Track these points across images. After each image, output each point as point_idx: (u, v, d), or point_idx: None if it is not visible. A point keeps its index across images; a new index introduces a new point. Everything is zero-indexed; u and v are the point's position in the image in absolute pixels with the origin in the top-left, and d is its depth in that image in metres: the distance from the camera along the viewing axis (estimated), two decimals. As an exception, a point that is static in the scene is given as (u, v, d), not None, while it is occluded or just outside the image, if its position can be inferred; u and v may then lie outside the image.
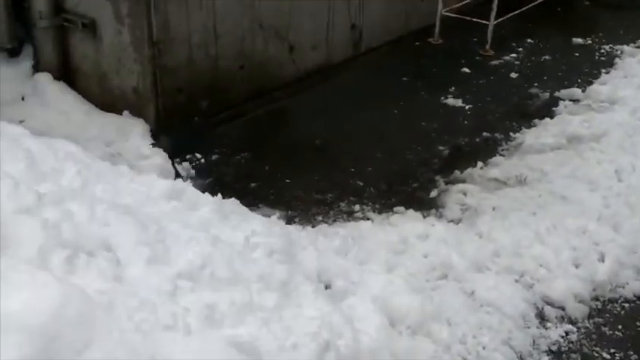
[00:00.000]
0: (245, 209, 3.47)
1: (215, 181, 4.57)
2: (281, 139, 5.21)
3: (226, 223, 3.19)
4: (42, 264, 2.24)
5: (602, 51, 6.84)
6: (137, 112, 4.75)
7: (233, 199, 3.74)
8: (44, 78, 4.77)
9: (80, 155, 3.08)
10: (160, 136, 4.76)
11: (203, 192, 4.34)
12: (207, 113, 5.12)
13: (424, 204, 4.50)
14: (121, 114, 4.76)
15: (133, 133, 4.59)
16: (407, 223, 4.12)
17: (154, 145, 4.63)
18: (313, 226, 4.17)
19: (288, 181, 4.70)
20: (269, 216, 4.21)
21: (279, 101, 5.70)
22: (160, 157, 4.55)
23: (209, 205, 3.25)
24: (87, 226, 2.54)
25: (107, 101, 4.82)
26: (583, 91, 5.90)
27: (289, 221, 4.23)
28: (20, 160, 2.73)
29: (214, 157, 4.87)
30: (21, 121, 4.56)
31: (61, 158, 2.95)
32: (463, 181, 4.71)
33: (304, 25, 5.80)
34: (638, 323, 3.59)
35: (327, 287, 3.38)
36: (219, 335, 2.42)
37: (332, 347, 2.72)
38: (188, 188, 3.30)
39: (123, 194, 2.92)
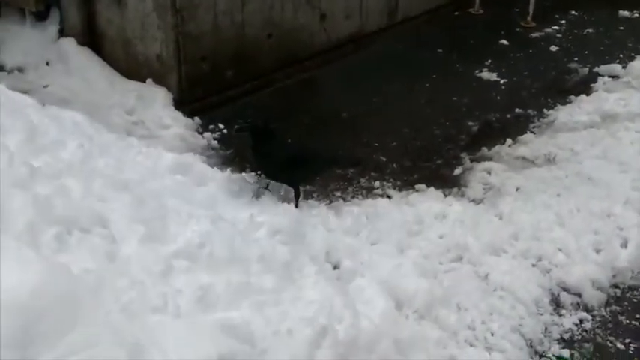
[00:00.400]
0: (255, 186, 3.43)
1: (236, 152, 4.54)
2: (307, 110, 5.14)
3: (233, 200, 3.16)
4: (31, 240, 2.24)
5: (649, 24, 6.57)
6: (160, 80, 4.74)
7: (244, 174, 3.69)
8: (69, 43, 4.78)
9: (87, 127, 3.07)
10: (182, 105, 4.74)
11: (223, 163, 4.38)
12: (233, 82, 5.07)
13: (447, 182, 4.40)
14: (145, 82, 4.74)
15: (156, 102, 4.58)
16: (425, 202, 4.03)
17: (176, 114, 4.61)
18: (331, 202, 4.12)
19: (310, 154, 4.63)
20: (286, 190, 4.19)
21: (309, 71, 5.63)
22: (181, 126, 4.53)
23: (216, 181, 3.21)
24: (82, 202, 2.53)
25: (132, 68, 4.81)
26: (624, 67, 5.68)
27: (307, 197, 4.18)
28: (19, 131, 2.73)
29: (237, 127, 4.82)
30: (45, 87, 4.60)
31: (66, 130, 2.94)
32: (489, 159, 4.59)
33: (337, -7, 5.69)
34: (657, 313, 3.47)
35: (335, 267, 3.34)
36: (210, 318, 2.40)
37: (329, 333, 2.68)
38: (196, 163, 3.28)
39: (126, 168, 2.90)
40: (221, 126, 4.79)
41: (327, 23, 5.70)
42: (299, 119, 4.98)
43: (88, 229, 2.49)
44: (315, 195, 4.22)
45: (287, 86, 5.38)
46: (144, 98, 4.57)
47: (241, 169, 4.29)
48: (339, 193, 4.26)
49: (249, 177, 3.75)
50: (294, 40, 5.43)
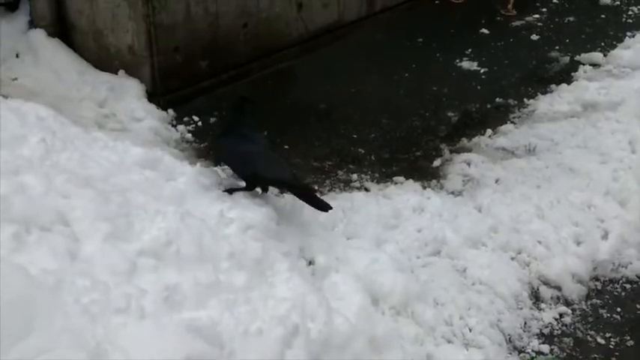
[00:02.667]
0: (226, 180, 3.33)
1: (210, 145, 4.44)
2: (284, 102, 5.06)
3: (203, 195, 3.06)
4: (-14, 241, 2.14)
5: (630, 12, 6.51)
6: (133, 72, 4.63)
7: (216, 168, 3.60)
8: (38, 35, 4.65)
9: (51, 121, 2.96)
10: (156, 97, 4.63)
11: (198, 157, 4.28)
12: (208, 73, 4.97)
13: (426, 174, 4.33)
14: (117, 73, 4.63)
15: (128, 94, 4.47)
16: (403, 195, 3.95)
17: (149, 106, 4.50)
18: (307, 196, 4.03)
19: (286, 147, 4.54)
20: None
21: (286, 61, 5.53)
22: (154, 119, 4.43)
23: (186, 175, 3.11)
24: (42, 199, 2.43)
25: (103, 60, 4.70)
26: (605, 56, 5.63)
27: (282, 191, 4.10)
28: (-25, 127, 2.62)
29: (212, 119, 4.72)
30: (14, 79, 4.48)
31: (28, 124, 2.83)
32: (469, 150, 4.53)
33: (314, -19, 5.59)
34: (638, 306, 3.41)
35: (310, 263, 3.25)
36: (176, 319, 2.31)
37: (302, 331, 2.60)
38: (166, 157, 3.17)
39: (90, 163, 2.80)
40: (196, 118, 4.69)
41: (305, 13, 5.60)
42: (276, 110, 4.88)
43: (48, 228, 2.39)
44: (291, 188, 4.13)
45: (264, 77, 5.28)
46: (116, 90, 4.46)
47: (216, 162, 4.20)
48: (315, 187, 4.17)
49: (222, 170, 3.65)
50: (270, 30, 5.33)
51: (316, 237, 3.36)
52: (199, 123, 4.66)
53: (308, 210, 3.58)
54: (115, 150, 3.04)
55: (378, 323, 3.01)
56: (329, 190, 4.14)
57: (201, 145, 4.45)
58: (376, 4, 6.23)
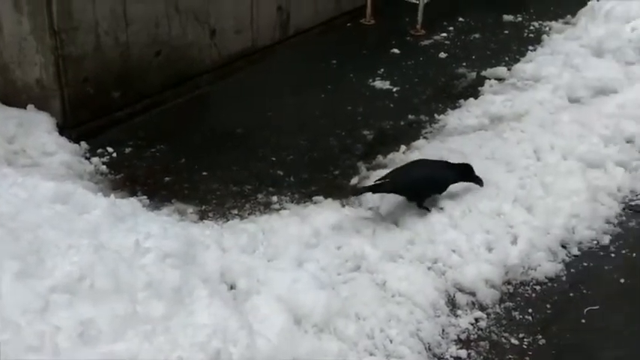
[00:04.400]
0: (143, 210, 3.33)
1: (127, 176, 4.42)
2: (200, 128, 5.07)
3: (119, 226, 3.05)
4: None
5: (532, 28, 6.80)
6: (42, 106, 4.57)
7: (132, 198, 3.60)
8: (-59, 74, 4.55)
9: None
10: (67, 130, 4.58)
11: (113, 188, 4.25)
12: (121, 104, 4.95)
13: (344, 192, 4.41)
14: (26, 108, 4.56)
15: (38, 128, 4.41)
16: (322, 213, 4.02)
17: (61, 139, 4.45)
18: (227, 221, 4.06)
19: (205, 173, 4.56)
20: (182, 212, 4.11)
21: (201, 88, 5.56)
22: (66, 152, 4.38)
23: (100, 207, 3.10)
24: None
25: (10, 95, 4.62)
26: (509, 70, 5.86)
27: (202, 217, 4.12)
28: None
29: (127, 150, 4.71)
30: None
31: None
32: (385, 167, 4.62)
33: (226, 8, 5.63)
34: (548, 306, 3.56)
35: (231, 288, 3.29)
36: (93, 353, 2.30)
37: (223, 356, 2.62)
38: (78, 190, 3.15)
39: (-1, 201, 2.76)
40: (110, 149, 4.66)
41: (218, 39, 5.64)
42: (192, 137, 4.90)
43: (-46, 270, 2.35)
44: (210, 214, 4.16)
45: (179, 105, 5.29)
46: (25, 125, 4.39)
47: (132, 193, 4.18)
48: (235, 211, 4.21)
49: (138, 200, 3.65)
50: (183, 57, 5.35)
51: (237, 261, 3.40)
52: (114, 154, 4.64)
53: (228, 236, 3.62)
54: (24, 186, 3.01)
55: (301, 342, 3.07)
56: (249, 214, 4.17)
57: (117, 177, 4.42)
58: (289, 29, 6.33)
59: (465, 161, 4.23)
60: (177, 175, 4.51)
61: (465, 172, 4.14)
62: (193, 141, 4.89)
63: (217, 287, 3.10)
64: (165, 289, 2.78)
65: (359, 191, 4.21)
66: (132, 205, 3.36)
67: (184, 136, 4.92)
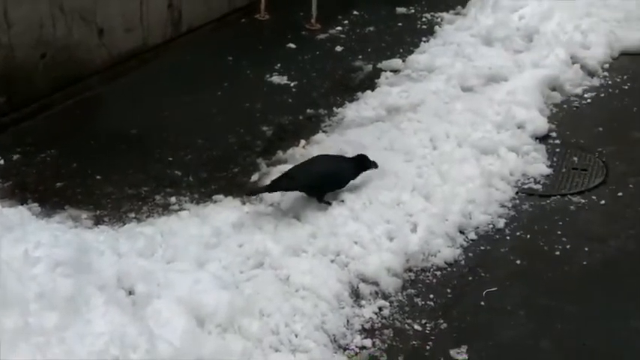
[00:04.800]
0: (32, 218, 3.19)
1: (15, 184, 4.24)
2: (93, 131, 4.92)
3: (7, 236, 2.91)
4: None
5: (424, 19, 6.94)
6: None
7: (21, 207, 3.45)
8: None
9: None
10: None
11: (1, 197, 4.06)
12: (7, 108, 4.74)
13: (244, 189, 4.37)
14: None
15: None
16: (222, 212, 3.97)
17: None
18: (124, 225, 3.94)
19: (99, 177, 4.43)
20: (75, 218, 3.97)
21: (92, 90, 5.40)
22: (-54, 163, 4.15)
23: (-16, 218, 2.95)
24: None
25: None
26: (403, 61, 5.96)
27: (98, 222, 3.99)
28: None
29: (15, 157, 4.51)
30: None
31: None
32: (285, 162, 4.62)
33: (113, 7, 5.50)
34: (448, 290, 3.64)
35: (130, 293, 3.19)
36: (-20, 369, 2.18)
37: (122, 363, 2.54)
38: (-40, 202, 2.98)
39: None
40: (-3, 157, 4.45)
41: (107, 38, 5.49)
42: (84, 141, 4.75)
43: None
44: (106, 219, 4.03)
45: (69, 107, 5.13)
46: None
47: (22, 201, 4.01)
48: (132, 214, 4.10)
49: (28, 209, 3.50)
50: (71, 58, 5.18)
51: (134, 265, 3.31)
52: (1, 162, 4.44)
53: (124, 240, 3.51)
54: None
55: (204, 343, 3.02)
56: (147, 217, 4.07)
57: (5, 185, 4.23)
58: (182, 26, 6.23)
59: (364, 152, 4.25)
60: (69, 180, 4.36)
61: (362, 163, 4.18)
62: (86, 144, 4.74)
63: (115, 294, 3.01)
64: (58, 298, 2.67)
65: (255, 191, 4.17)
66: (20, 213, 3.22)
67: (76, 140, 4.76)
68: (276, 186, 4.02)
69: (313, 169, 4.11)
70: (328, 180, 4.10)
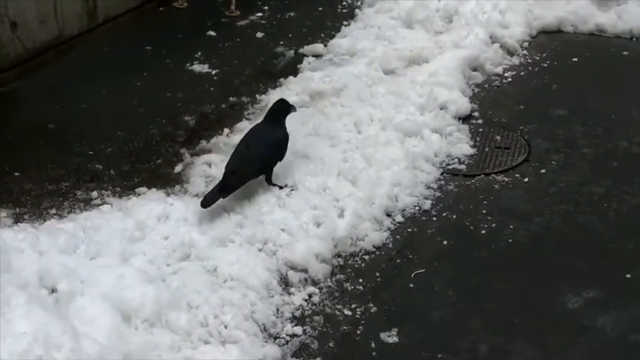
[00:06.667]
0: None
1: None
2: (9, 126, 4.77)
3: None
4: None
5: (344, 3, 6.90)
6: None
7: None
8: None
9: None
10: None
11: None
12: None
13: (168, 181, 4.31)
14: None
15: None
16: (146, 205, 3.89)
17: None
18: (45, 222, 3.82)
19: (17, 174, 4.30)
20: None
21: (7, 85, 5.23)
22: None
23: None
24: None
25: None
26: (325, 46, 5.93)
27: (17, 220, 3.86)
28: None
29: None
30: None
31: None
32: (209, 152, 4.56)
33: (25, -1, 5.32)
34: (377, 274, 3.67)
35: (53, 291, 3.10)
36: None
37: (46, 363, 2.46)
38: None
39: None
40: None
41: (21, 31, 5.31)
42: (0, 135, 4.58)
43: None
44: (26, 217, 3.91)
45: (-17, 102, 4.94)
46: None
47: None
48: (53, 211, 3.99)
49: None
50: (-18, 52, 4.98)
51: (56, 263, 3.22)
52: None
53: (45, 238, 3.41)
54: None
55: (131, 339, 2.97)
56: (68, 212, 3.97)
57: None
58: (98, 17, 6.06)
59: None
60: (-15, 178, 4.20)
61: (284, 112, 4.16)
62: (2, 140, 4.60)
63: (37, 292, 2.93)
64: (-25, 301, 2.56)
65: (210, 201, 3.80)
66: None
67: (-9, 136, 4.60)
68: (228, 188, 3.84)
69: (251, 153, 4.00)
70: (272, 155, 4.05)
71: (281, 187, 4.02)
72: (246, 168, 3.94)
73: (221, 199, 3.80)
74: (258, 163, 4.00)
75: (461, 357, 3.20)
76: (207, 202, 3.81)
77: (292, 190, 4.04)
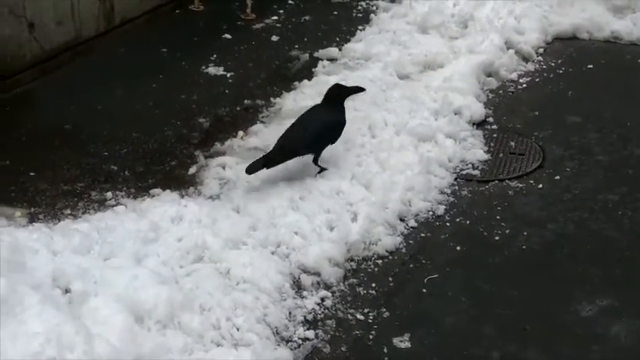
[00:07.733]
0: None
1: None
2: (25, 127, 4.80)
3: None
4: None
5: (360, 8, 6.94)
6: None
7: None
8: None
9: None
10: None
11: None
12: None
13: (182, 183, 4.32)
14: None
15: None
16: (160, 206, 3.89)
17: None
18: (59, 222, 3.84)
19: (32, 174, 4.32)
20: (9, 217, 3.86)
21: (24, 85, 5.28)
22: None
23: None
24: None
25: None
26: (340, 50, 5.96)
27: (32, 220, 3.88)
28: None
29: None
30: None
31: None
32: (223, 154, 4.57)
33: (44, 0, 5.35)
34: (390, 279, 3.65)
35: (66, 292, 3.11)
36: None
37: (59, 364, 2.47)
38: None
39: None
40: None
41: (38, 32, 5.36)
42: (16, 137, 4.64)
43: None
44: (41, 217, 3.93)
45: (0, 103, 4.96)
46: None
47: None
48: (68, 211, 4.01)
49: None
50: (1, 53, 5.02)
51: (70, 263, 3.23)
52: None
53: (59, 238, 3.43)
54: None
55: (143, 341, 2.96)
56: (83, 213, 3.99)
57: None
58: (115, 18, 6.11)
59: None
60: (2, 177, 4.24)
61: (340, 94, 4.26)
62: (18, 141, 4.63)
63: (50, 293, 2.93)
64: (-10, 300, 2.58)
65: (254, 169, 4.00)
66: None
67: (8, 137, 4.64)
68: (272, 160, 4.01)
69: (306, 131, 4.12)
70: (326, 137, 4.17)
71: (324, 169, 4.13)
72: (296, 145, 4.07)
73: (264, 169, 3.98)
74: (311, 141, 4.10)
75: (473, 364, 3.19)
76: (251, 169, 4.01)
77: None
